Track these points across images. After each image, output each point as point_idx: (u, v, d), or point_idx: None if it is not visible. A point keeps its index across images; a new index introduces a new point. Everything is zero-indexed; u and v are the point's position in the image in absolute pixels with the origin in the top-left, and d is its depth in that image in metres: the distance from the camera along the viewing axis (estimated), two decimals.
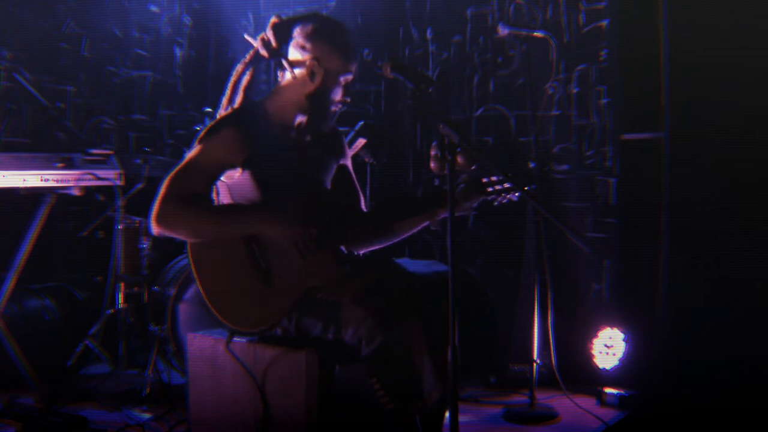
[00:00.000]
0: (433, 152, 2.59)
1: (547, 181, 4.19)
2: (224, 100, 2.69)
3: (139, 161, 3.95)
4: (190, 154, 2.54)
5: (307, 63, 2.63)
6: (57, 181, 3.66)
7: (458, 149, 2.24)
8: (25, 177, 3.57)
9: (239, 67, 2.67)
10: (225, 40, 5.41)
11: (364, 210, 2.93)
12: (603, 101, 4.10)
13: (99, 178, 3.78)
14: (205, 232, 2.51)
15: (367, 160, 3.76)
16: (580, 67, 4.16)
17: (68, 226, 4.42)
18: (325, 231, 2.57)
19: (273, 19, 2.66)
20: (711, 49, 3.23)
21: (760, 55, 3.18)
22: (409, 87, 2.37)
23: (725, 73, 3.23)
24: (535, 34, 3.73)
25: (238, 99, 2.67)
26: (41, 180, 3.61)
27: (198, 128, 4.30)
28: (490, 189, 2.64)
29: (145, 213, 4.05)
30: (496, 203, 2.69)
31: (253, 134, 2.58)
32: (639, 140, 3.77)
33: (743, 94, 3.20)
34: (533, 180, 2.63)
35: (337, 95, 2.67)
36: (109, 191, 3.94)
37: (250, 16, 5.34)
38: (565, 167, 4.21)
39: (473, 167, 2.49)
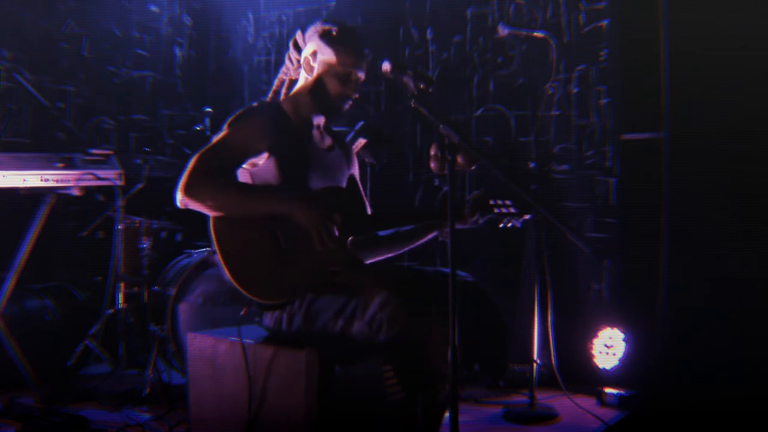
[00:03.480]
0: (433, 152, 2.60)
1: (547, 181, 4.19)
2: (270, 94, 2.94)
3: (139, 161, 3.95)
4: (218, 136, 2.63)
5: (304, 58, 2.79)
6: (57, 181, 3.66)
7: (458, 149, 2.25)
8: (25, 177, 3.57)
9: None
10: (225, 40, 5.42)
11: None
12: (603, 101, 4.10)
13: (99, 178, 3.78)
14: (230, 205, 2.54)
15: (367, 160, 3.75)
16: (580, 67, 4.16)
17: (68, 226, 4.42)
18: (347, 221, 2.62)
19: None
20: (711, 49, 3.22)
21: (760, 55, 3.18)
22: (409, 87, 2.40)
23: (725, 73, 3.23)
24: (535, 34, 3.73)
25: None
26: (41, 180, 3.61)
27: (198, 128, 4.31)
28: (496, 210, 2.79)
29: (146, 213, 4.11)
30: (501, 225, 2.84)
31: (277, 124, 2.69)
32: (639, 140, 3.77)
33: (743, 94, 3.20)
34: (534, 206, 2.75)
35: (336, 89, 2.75)
36: (109, 191, 3.94)
37: (250, 16, 5.34)
38: (565, 167, 4.21)
39: (473, 167, 2.50)
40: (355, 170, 3.02)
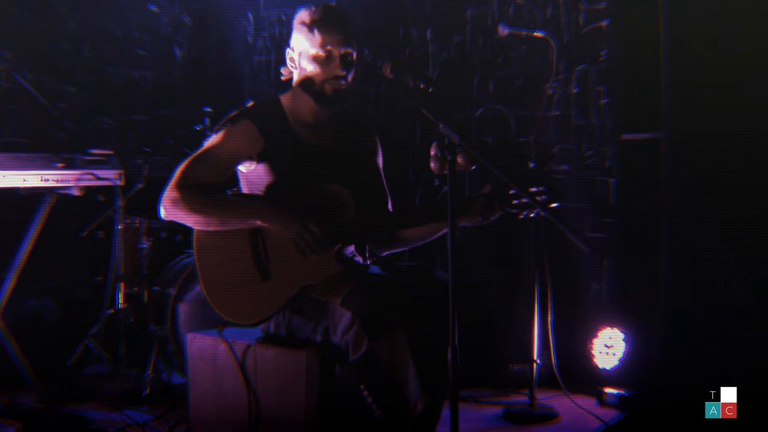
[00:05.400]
0: (433, 152, 2.58)
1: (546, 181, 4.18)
2: None
3: (139, 161, 3.95)
4: (208, 143, 2.59)
5: (288, 54, 2.74)
6: (57, 181, 3.66)
7: (458, 149, 2.24)
8: (25, 177, 3.57)
9: None
10: (225, 40, 5.41)
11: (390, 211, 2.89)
12: (603, 101, 4.10)
13: (99, 178, 3.78)
14: (209, 220, 2.52)
15: None
16: (580, 67, 4.16)
17: (68, 226, 4.42)
18: (329, 229, 2.55)
19: None
20: (711, 49, 3.23)
21: (760, 55, 3.18)
22: (410, 87, 2.38)
23: (725, 73, 3.23)
24: (535, 34, 3.73)
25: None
26: (41, 180, 3.61)
27: (198, 128, 4.31)
28: (515, 202, 2.58)
29: (146, 213, 4.10)
30: (522, 216, 2.63)
31: (270, 126, 2.63)
32: (639, 140, 3.77)
33: (743, 94, 3.20)
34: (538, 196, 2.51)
35: (318, 73, 2.64)
36: (109, 191, 3.94)
37: (250, 16, 5.34)
38: (565, 167, 4.21)
39: (473, 167, 2.48)
40: (379, 160, 2.89)
